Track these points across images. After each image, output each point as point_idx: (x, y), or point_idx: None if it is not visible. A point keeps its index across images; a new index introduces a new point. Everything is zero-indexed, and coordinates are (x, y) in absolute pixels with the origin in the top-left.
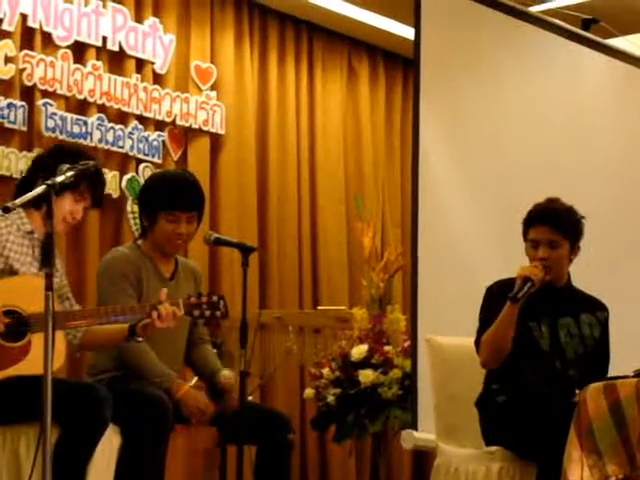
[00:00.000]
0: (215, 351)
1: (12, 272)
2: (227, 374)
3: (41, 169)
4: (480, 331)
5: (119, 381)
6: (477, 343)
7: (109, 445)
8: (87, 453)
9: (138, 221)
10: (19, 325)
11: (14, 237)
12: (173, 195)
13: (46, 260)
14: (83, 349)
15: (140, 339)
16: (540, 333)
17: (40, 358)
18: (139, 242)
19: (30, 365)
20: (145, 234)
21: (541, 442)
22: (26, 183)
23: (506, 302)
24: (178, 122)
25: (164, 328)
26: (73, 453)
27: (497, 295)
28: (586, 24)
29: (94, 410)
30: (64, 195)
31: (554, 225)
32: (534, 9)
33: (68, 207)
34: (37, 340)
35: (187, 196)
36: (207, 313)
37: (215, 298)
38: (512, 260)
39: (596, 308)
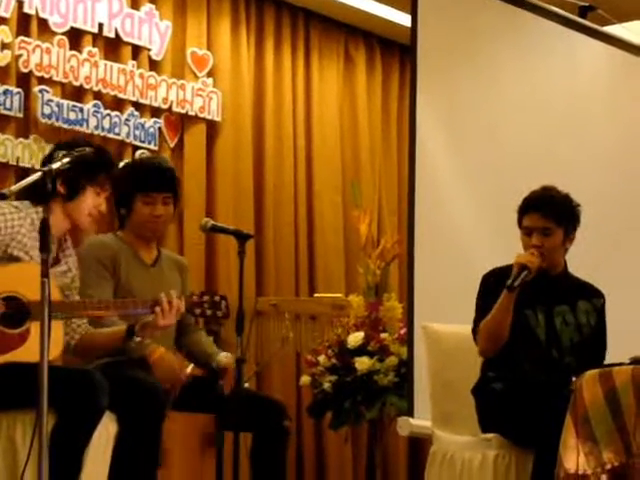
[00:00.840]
0: (211, 338)
1: (15, 261)
2: (225, 356)
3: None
4: (477, 319)
5: (113, 367)
6: (474, 331)
7: (105, 432)
8: (84, 440)
9: None
10: (19, 311)
11: (26, 230)
12: (147, 176)
13: (43, 245)
14: (78, 355)
15: (139, 339)
16: (536, 321)
17: (38, 345)
18: (118, 233)
19: (27, 352)
20: (123, 224)
21: (537, 429)
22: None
23: (503, 290)
24: (174, 109)
25: (168, 325)
26: (70, 440)
27: (493, 283)
28: (583, 11)
29: (91, 396)
30: (86, 190)
31: (547, 212)
32: None
33: (91, 201)
34: (36, 328)
35: (161, 177)
36: (208, 312)
37: (217, 298)
38: (508, 248)
39: (592, 295)
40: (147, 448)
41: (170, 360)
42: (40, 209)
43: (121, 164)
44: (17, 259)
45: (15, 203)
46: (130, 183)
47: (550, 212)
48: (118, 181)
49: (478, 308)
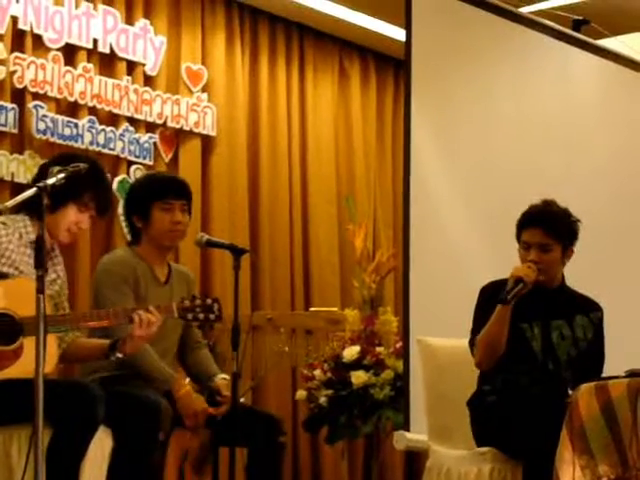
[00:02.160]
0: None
1: (5, 277)
2: (223, 378)
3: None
4: (474, 332)
5: (112, 381)
6: (471, 343)
7: (101, 447)
8: (80, 451)
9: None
10: (11, 328)
11: (14, 246)
12: (165, 184)
13: (37, 262)
14: (64, 361)
15: (120, 355)
16: (532, 334)
17: (32, 361)
18: (133, 247)
19: (22, 368)
20: (138, 238)
21: (530, 442)
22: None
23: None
24: (169, 124)
25: (145, 336)
26: (66, 451)
27: (491, 296)
28: (577, 25)
29: (86, 407)
30: (67, 205)
31: (547, 228)
32: (525, 10)
33: (73, 217)
34: (29, 343)
35: (178, 184)
36: (201, 316)
37: (209, 301)
38: (504, 261)
39: (590, 309)
40: (142, 465)
41: (194, 399)
42: (28, 223)
43: (117, 180)
44: (5, 276)
45: (2, 219)
46: (147, 192)
47: (550, 228)
48: (133, 193)
49: (475, 321)
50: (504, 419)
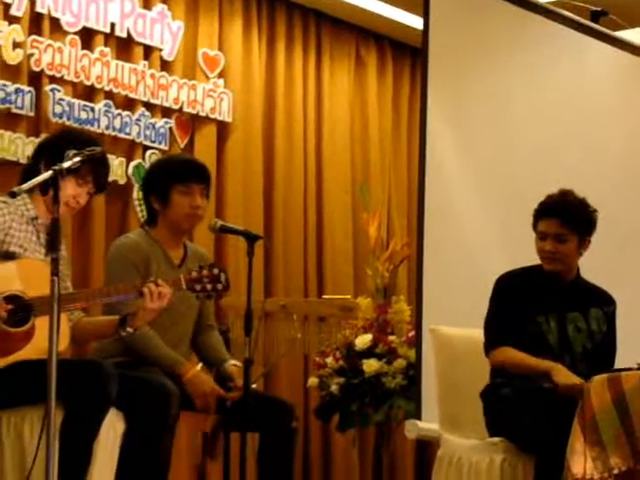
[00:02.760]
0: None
1: (12, 257)
2: (233, 364)
3: (46, 154)
4: (491, 322)
5: (125, 367)
6: (487, 331)
7: (113, 430)
8: (93, 429)
9: (144, 208)
10: (22, 310)
11: (17, 224)
12: (186, 167)
13: (52, 245)
14: (72, 341)
15: (131, 330)
16: (548, 328)
17: (44, 341)
18: (147, 229)
19: (35, 349)
20: (154, 220)
21: (543, 435)
22: (31, 168)
23: (516, 293)
24: (185, 109)
25: (157, 308)
26: (78, 429)
27: (507, 286)
28: (595, 16)
29: (98, 385)
30: (66, 179)
31: (563, 219)
32: (543, 0)
33: (71, 191)
34: (40, 324)
35: (199, 168)
36: (209, 287)
37: (216, 271)
38: (518, 251)
39: (604, 302)
40: (154, 450)
41: (202, 380)
42: (28, 201)
43: (132, 164)
44: (13, 255)
45: (2, 198)
46: (167, 174)
47: (567, 219)
48: (152, 174)
49: (491, 310)
50: (516, 412)
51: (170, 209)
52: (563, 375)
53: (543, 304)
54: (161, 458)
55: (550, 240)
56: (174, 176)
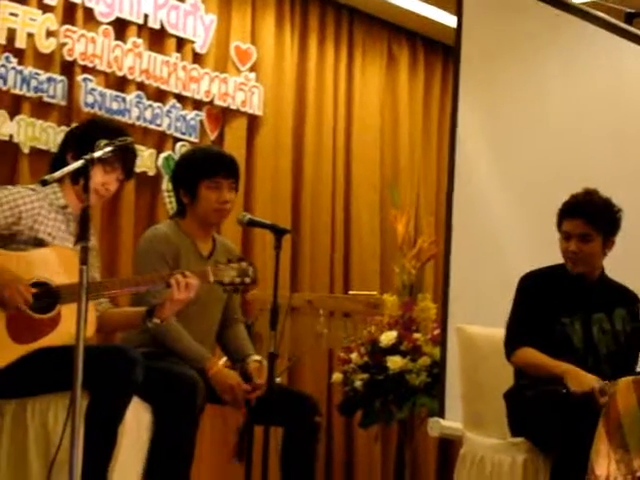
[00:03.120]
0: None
1: (42, 246)
2: (256, 360)
3: (74, 144)
4: (514, 322)
5: (150, 357)
6: (509, 331)
7: (137, 419)
8: (118, 414)
9: (173, 199)
10: (48, 297)
11: (46, 212)
12: (213, 162)
13: (82, 234)
14: (98, 331)
15: (157, 321)
16: (573, 329)
17: (70, 329)
18: (177, 220)
19: (60, 336)
20: (183, 213)
21: (562, 437)
22: (59, 158)
23: (540, 293)
24: (216, 102)
25: (184, 299)
26: (104, 413)
27: (531, 286)
28: (629, 17)
29: (124, 370)
30: (94, 167)
31: (588, 218)
32: (577, 1)
33: (100, 178)
34: (66, 311)
35: (227, 162)
36: (237, 280)
37: (244, 264)
38: (545, 250)
39: (629, 301)
40: (182, 439)
41: (228, 375)
42: (57, 189)
43: (162, 156)
44: (42, 241)
45: (31, 186)
46: (195, 169)
47: (591, 218)
48: (181, 168)
49: (515, 311)
50: (539, 413)
51: (198, 203)
52: (576, 382)
53: (568, 305)
54: (186, 448)
55: (574, 240)
56: (201, 171)
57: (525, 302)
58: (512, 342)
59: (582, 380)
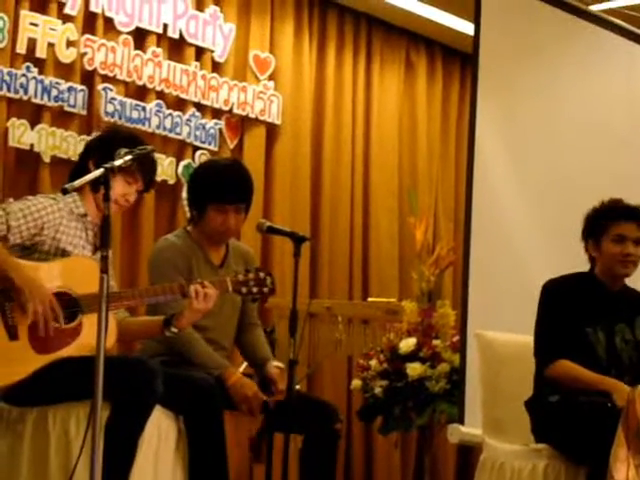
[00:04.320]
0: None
1: (64, 255)
2: (276, 365)
3: (95, 153)
4: (543, 332)
5: (169, 365)
6: (541, 341)
7: (157, 427)
8: (138, 426)
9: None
10: (69, 307)
11: (67, 221)
12: (222, 187)
13: (102, 242)
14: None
15: (176, 330)
16: (596, 338)
17: (91, 339)
18: (189, 228)
19: (81, 345)
20: (195, 221)
21: (591, 445)
22: (80, 167)
23: (567, 301)
24: (235, 111)
25: (207, 312)
26: (124, 426)
27: (558, 294)
28: None
29: (144, 382)
30: (115, 178)
31: None
32: (595, 8)
33: (120, 190)
34: (88, 321)
35: (235, 189)
36: (254, 290)
37: (262, 275)
38: (565, 257)
39: None
40: (214, 444)
41: (245, 385)
42: (77, 198)
43: (182, 164)
44: (64, 251)
45: (52, 195)
46: (204, 190)
47: None
48: (192, 183)
49: (545, 319)
50: (564, 419)
51: (204, 222)
52: (624, 397)
53: (592, 314)
54: (220, 452)
55: (630, 243)
56: (209, 194)
57: (554, 310)
58: (547, 353)
59: (627, 395)
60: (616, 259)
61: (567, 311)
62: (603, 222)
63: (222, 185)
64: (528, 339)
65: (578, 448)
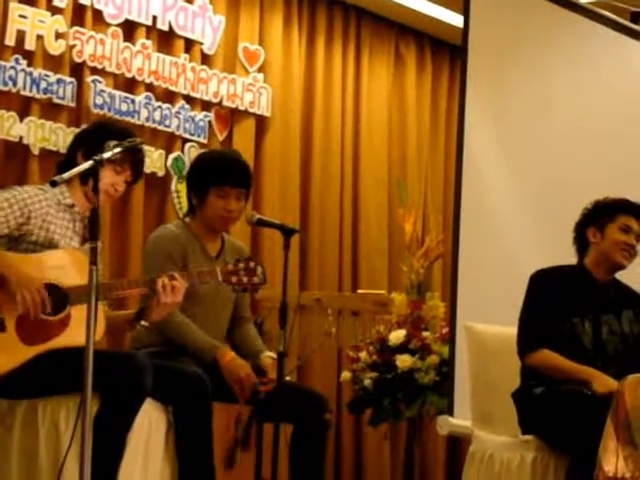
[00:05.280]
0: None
1: (52, 245)
2: (269, 356)
3: (83, 145)
4: (526, 322)
5: (160, 356)
6: (523, 331)
7: (147, 420)
8: (127, 421)
9: (182, 200)
10: (58, 299)
11: (54, 211)
12: (223, 170)
13: (91, 234)
14: None
15: (145, 324)
16: (583, 329)
17: (79, 330)
18: (187, 220)
19: (70, 337)
20: (193, 213)
21: (574, 435)
22: (69, 159)
23: (553, 292)
24: (224, 103)
25: (171, 303)
26: (113, 420)
27: (544, 284)
28: (635, 16)
29: (134, 377)
30: (104, 167)
31: None
32: (583, 0)
33: (109, 179)
34: (76, 312)
35: (237, 172)
36: (245, 280)
37: (252, 264)
38: (554, 249)
39: (636, 303)
40: (201, 435)
41: (240, 365)
42: (64, 189)
43: (171, 156)
44: (51, 240)
45: (39, 185)
46: (206, 175)
47: None
48: (193, 171)
49: (529, 309)
50: (548, 410)
51: (205, 208)
52: (603, 385)
53: (579, 305)
54: (207, 443)
55: (634, 236)
56: (211, 178)
57: (539, 301)
58: (528, 343)
59: (608, 382)
60: (619, 247)
61: (553, 301)
62: (612, 211)
63: (224, 167)
64: (516, 331)
65: (562, 439)
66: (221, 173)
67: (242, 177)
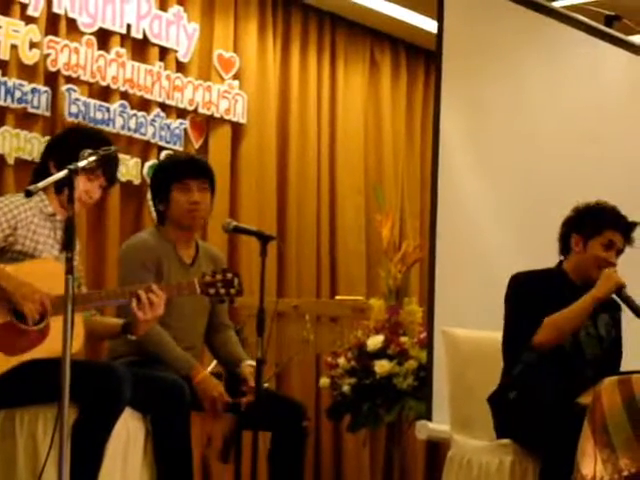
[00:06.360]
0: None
1: (36, 254)
2: (250, 364)
3: (55, 153)
4: (516, 322)
5: (137, 365)
6: (508, 330)
7: (125, 429)
8: (105, 431)
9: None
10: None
11: (38, 219)
12: (181, 165)
13: (67, 244)
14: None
15: (133, 337)
16: None
17: (58, 341)
18: (159, 227)
19: (48, 348)
20: (163, 221)
21: (546, 437)
22: (41, 168)
23: (537, 295)
24: (200, 110)
25: (151, 318)
26: (91, 431)
27: (528, 287)
28: (609, 20)
29: (112, 388)
30: (77, 176)
31: (625, 235)
32: (557, 4)
33: (82, 186)
34: (55, 323)
35: (194, 164)
36: (222, 291)
37: (229, 275)
38: (531, 253)
39: (612, 307)
40: (179, 444)
41: (212, 384)
42: (44, 197)
43: (147, 165)
44: (35, 250)
45: (19, 196)
46: (166, 174)
47: (626, 235)
48: (155, 176)
49: (517, 309)
50: (523, 414)
51: (171, 207)
52: (605, 287)
53: (558, 307)
54: (186, 452)
55: (614, 252)
56: (172, 175)
57: (522, 302)
58: (520, 340)
59: (608, 283)
60: (598, 262)
61: (533, 303)
62: (600, 224)
63: (181, 162)
64: (494, 335)
65: (535, 442)
66: (179, 167)
67: (201, 168)
